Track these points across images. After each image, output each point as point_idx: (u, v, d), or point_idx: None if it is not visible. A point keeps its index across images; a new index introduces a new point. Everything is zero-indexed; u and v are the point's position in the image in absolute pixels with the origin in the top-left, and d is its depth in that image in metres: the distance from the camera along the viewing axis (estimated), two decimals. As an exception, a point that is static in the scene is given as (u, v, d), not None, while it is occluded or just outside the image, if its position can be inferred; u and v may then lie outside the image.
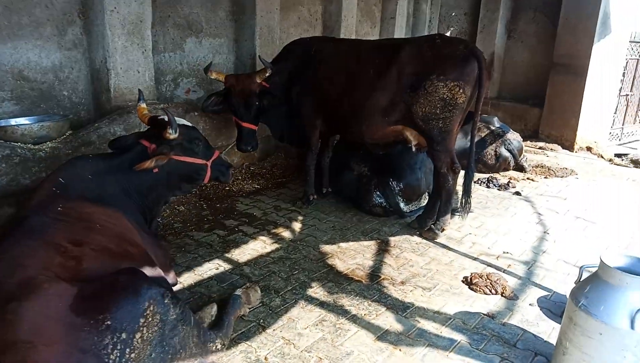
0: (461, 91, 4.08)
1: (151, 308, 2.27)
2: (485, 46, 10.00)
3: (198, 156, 3.62)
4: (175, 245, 4.19)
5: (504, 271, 3.93)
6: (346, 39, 5.04)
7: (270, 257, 4.04)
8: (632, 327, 2.31)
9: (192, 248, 4.17)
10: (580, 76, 8.11)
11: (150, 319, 2.26)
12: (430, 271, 3.89)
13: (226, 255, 4.07)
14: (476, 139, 6.59)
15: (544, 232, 4.75)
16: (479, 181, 6.28)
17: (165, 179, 3.52)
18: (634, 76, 9.09)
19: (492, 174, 6.54)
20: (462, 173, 4.43)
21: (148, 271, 2.78)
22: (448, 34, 10.71)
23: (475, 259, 4.13)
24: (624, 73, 8.73)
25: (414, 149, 4.58)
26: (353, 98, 4.49)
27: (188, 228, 4.56)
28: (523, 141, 8.65)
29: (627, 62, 8.71)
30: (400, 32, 9.42)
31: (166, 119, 3.32)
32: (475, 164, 6.57)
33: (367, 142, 4.75)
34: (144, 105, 3.38)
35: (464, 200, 4.42)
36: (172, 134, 3.30)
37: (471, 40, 10.45)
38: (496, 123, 6.88)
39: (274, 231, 4.57)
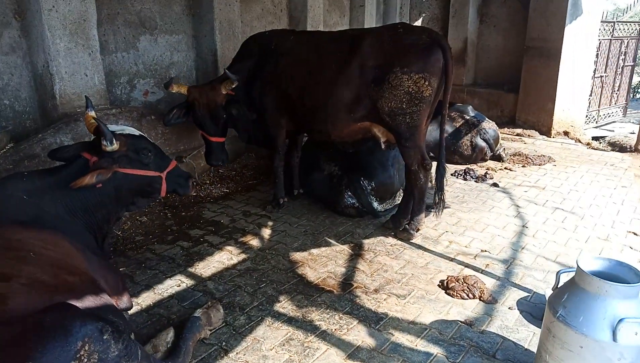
0: (427, 83, 3.85)
1: (86, 348, 2.01)
2: (458, 32, 9.83)
3: (149, 167, 3.34)
4: (134, 261, 3.91)
5: (482, 271, 3.75)
6: (307, 31, 4.77)
7: (236, 270, 3.79)
8: (614, 339, 2.13)
9: (153, 263, 3.89)
10: (553, 59, 7.97)
11: (85, 360, 1.99)
12: (405, 276, 3.69)
13: (189, 269, 3.80)
14: (451, 129, 6.48)
15: (523, 226, 4.58)
16: (456, 173, 6.11)
17: (113, 195, 3.24)
18: (607, 56, 9.02)
19: (469, 166, 6.37)
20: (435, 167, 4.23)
21: (90, 301, 2.51)
22: (419, 20, 10.53)
23: (452, 259, 3.94)
24: (597, 54, 8.63)
25: (383, 146, 4.36)
26: (315, 95, 4.24)
27: (150, 241, 4.28)
28: (500, 128, 8.52)
29: (600, 43, 8.61)
30: (370, 20, 9.16)
31: (127, 133, 3.06)
32: (451, 156, 6.46)
33: (334, 140, 4.51)
34: (92, 113, 3.08)
35: (437, 197, 4.22)
36: (107, 146, 3.00)
37: (443, 25, 10.27)
38: (471, 112, 6.70)
39: (241, 239, 4.31)
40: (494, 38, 9.70)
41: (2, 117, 4.26)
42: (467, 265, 3.84)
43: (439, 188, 4.19)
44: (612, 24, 8.88)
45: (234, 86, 4.37)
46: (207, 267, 3.83)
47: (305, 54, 4.33)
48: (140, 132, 3.33)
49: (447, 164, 6.40)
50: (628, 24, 9.56)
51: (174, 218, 4.77)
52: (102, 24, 4.89)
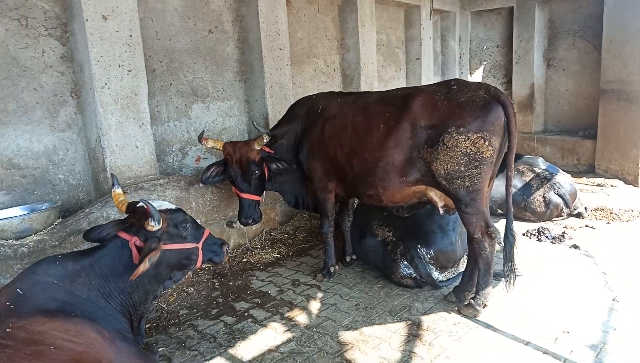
0: (487, 143, 3.46)
1: None
2: (524, 78, 9.33)
3: (187, 240, 3.24)
4: (175, 340, 3.70)
5: (564, 360, 3.15)
6: (354, 92, 4.57)
7: (279, 352, 3.46)
8: None
9: (193, 342, 3.66)
10: (635, 102, 7.24)
11: None
12: (471, 364, 3.18)
13: (230, 350, 3.52)
14: (520, 184, 5.93)
15: (613, 299, 3.91)
16: (529, 233, 5.50)
17: (153, 273, 3.13)
18: (699, 95, 8.07)
19: (543, 224, 5.73)
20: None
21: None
22: (481, 69, 10.15)
23: (527, 344, 3.36)
24: (686, 94, 7.74)
25: (441, 211, 3.96)
26: (364, 158, 3.97)
27: (194, 315, 4.08)
28: (577, 177, 7.82)
29: (688, 82, 7.74)
30: (428, 72, 8.94)
31: (145, 208, 2.95)
32: (523, 213, 5.87)
33: (386, 205, 4.18)
34: (119, 190, 3.01)
35: (506, 268, 3.70)
36: (154, 226, 2.92)
37: (507, 73, 9.82)
38: (542, 165, 6.12)
39: (288, 314, 4.01)
40: (564, 82, 9.08)
41: (57, 192, 4.37)
42: (545, 352, 3.25)
43: (509, 258, 3.69)
44: (702, 59, 8.00)
45: (265, 142, 4.24)
46: (248, 348, 3.53)
47: (352, 116, 4.11)
48: (176, 205, 3.22)
49: (518, 222, 5.87)
50: None
51: (221, 288, 4.58)
52: (154, 96, 5.02)
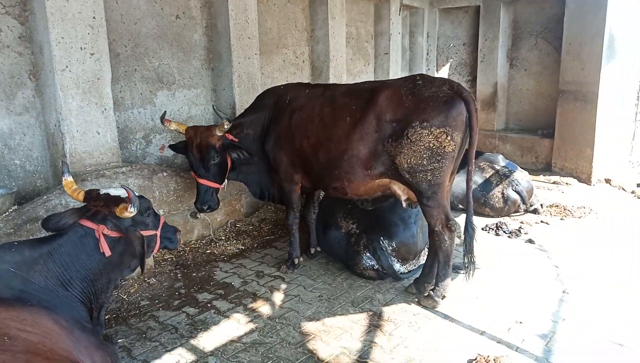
0: (449, 137, 3.56)
1: None
2: (488, 76, 9.57)
3: (149, 227, 3.24)
4: (135, 331, 3.64)
5: (517, 349, 3.29)
6: (321, 84, 4.59)
7: (241, 343, 3.47)
8: None
9: (154, 333, 3.62)
10: (590, 103, 7.55)
11: None
12: (428, 352, 3.27)
13: (192, 341, 3.50)
14: (480, 180, 6.11)
15: (563, 292, 4.10)
16: (487, 228, 5.68)
17: (117, 260, 3.10)
18: (650, 98, 8.50)
19: (501, 219, 5.92)
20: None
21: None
22: (447, 66, 10.34)
23: (482, 333, 3.50)
24: (638, 97, 8.14)
25: (404, 204, 4.04)
26: (330, 150, 4.00)
27: (155, 306, 4.03)
28: (535, 175, 8.10)
29: (640, 85, 8.13)
30: (395, 67, 9.04)
31: (125, 195, 2.96)
32: (482, 208, 6.05)
33: (351, 198, 4.23)
34: (70, 178, 2.93)
35: (466, 259, 3.83)
36: (133, 212, 2.92)
37: (472, 70, 10.04)
38: (501, 162, 6.32)
39: (251, 305, 4.01)
40: (525, 82, 9.37)
41: (12, 177, 4.20)
42: (499, 341, 3.39)
43: (468, 249, 3.81)
44: (653, 64, 8.41)
45: (226, 128, 4.18)
46: (211, 339, 3.52)
47: (320, 108, 4.13)
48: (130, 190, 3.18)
49: (477, 217, 6.05)
50: (670, 64, 9.05)
51: (183, 279, 4.53)
52: (118, 81, 4.88)
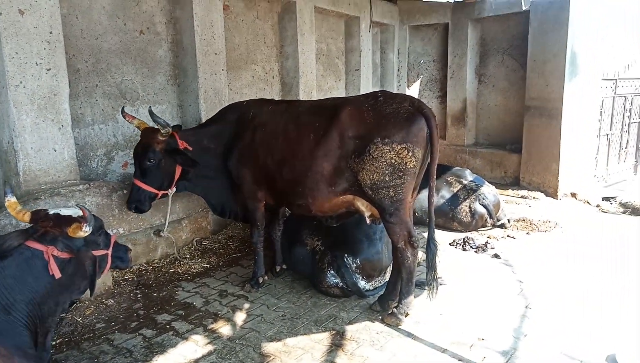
0: (410, 154, 3.56)
1: None
2: (457, 92, 9.72)
3: (100, 247, 3.15)
4: (87, 356, 3.50)
5: (478, 367, 3.27)
6: (285, 100, 4.57)
7: (198, 366, 3.37)
8: None
9: (107, 357, 3.48)
10: (554, 119, 7.72)
11: None
12: (390, 373, 3.22)
13: (146, 365, 3.38)
14: (448, 194, 6.14)
15: (526, 307, 4.11)
16: (455, 243, 5.69)
17: (66, 282, 2.98)
18: (612, 114, 8.76)
19: (469, 234, 5.96)
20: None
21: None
22: (418, 82, 10.47)
23: (444, 351, 3.47)
24: (601, 112, 8.38)
25: (368, 221, 4.02)
26: (294, 167, 3.97)
27: (111, 329, 3.88)
28: (504, 189, 8.21)
29: (602, 101, 8.38)
30: (366, 83, 9.11)
31: (80, 214, 2.88)
32: (450, 222, 6.08)
33: (316, 215, 4.19)
34: (13, 199, 2.81)
35: (429, 276, 3.80)
36: (87, 232, 2.82)
37: (442, 87, 10.18)
38: (469, 176, 6.37)
39: (211, 326, 3.90)
40: (493, 98, 9.54)
41: (-39, 197, 4.03)
42: (460, 359, 3.36)
43: (431, 266, 3.79)
44: (614, 81, 8.69)
45: (165, 133, 4.11)
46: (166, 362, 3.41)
47: (283, 124, 4.10)
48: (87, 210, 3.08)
49: (445, 232, 6.08)
50: (631, 80, 9.36)
51: (143, 300, 4.39)
52: (78, 97, 4.77)
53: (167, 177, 4.30)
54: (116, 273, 4.80)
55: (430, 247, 3.80)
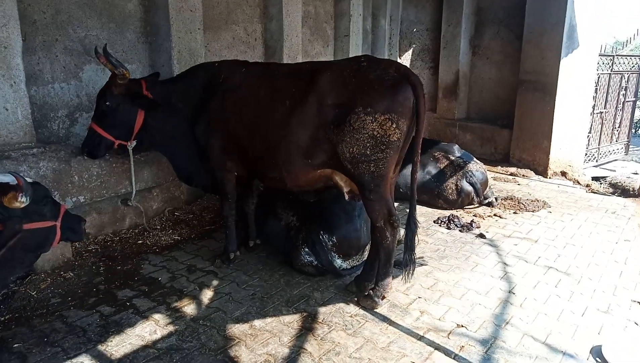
0: (394, 125, 3.25)
1: None
2: (450, 63, 9.35)
3: (46, 217, 2.86)
4: (37, 334, 3.23)
5: (455, 356, 3.06)
6: (261, 62, 4.20)
7: (155, 348, 3.11)
8: None
9: (58, 337, 3.21)
10: (549, 94, 7.43)
11: None
12: (361, 361, 3.00)
13: (99, 346, 3.12)
14: (435, 170, 5.88)
15: (509, 292, 3.91)
16: (439, 221, 5.46)
17: (8, 258, 2.70)
18: (607, 91, 8.49)
19: (454, 212, 5.72)
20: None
21: None
22: (410, 51, 10.06)
23: (420, 338, 3.25)
24: (596, 89, 8.09)
25: (347, 197, 3.73)
26: (267, 136, 3.65)
27: (66, 305, 3.61)
28: (493, 166, 7.98)
29: (598, 77, 8.08)
30: (356, 50, 8.68)
31: (15, 183, 2.56)
32: (435, 200, 5.84)
33: (291, 189, 3.89)
34: None
35: (406, 258, 3.55)
36: (25, 202, 2.57)
37: (434, 57, 9.80)
38: (457, 152, 6.09)
39: (175, 304, 3.65)
40: (487, 70, 9.19)
41: None
42: (437, 347, 3.14)
43: (409, 247, 3.53)
44: (612, 57, 8.39)
45: (117, 73, 3.78)
46: (121, 344, 3.15)
47: (257, 89, 3.75)
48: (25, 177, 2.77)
49: (430, 209, 5.84)
50: (628, 57, 9.07)
51: (105, 274, 4.11)
52: (35, 52, 4.36)
53: (125, 126, 4.01)
54: (79, 244, 4.50)
55: (410, 226, 3.53)
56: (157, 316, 3.48)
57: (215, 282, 4.01)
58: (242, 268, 4.27)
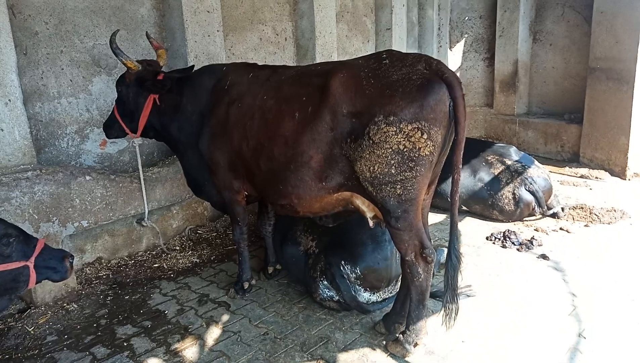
0: (425, 136, 2.60)
1: None
2: (507, 53, 8.41)
3: (12, 258, 2.48)
4: (21, 382, 2.90)
5: None
6: (269, 65, 3.64)
7: (142, 406, 2.68)
8: None
9: (43, 386, 2.86)
10: (625, 83, 6.36)
11: None
12: None
13: (82, 401, 2.73)
14: (488, 177, 5.10)
15: (579, 335, 3.13)
16: (493, 237, 4.69)
17: None
18: (699, 77, 7.19)
19: (512, 225, 4.92)
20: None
21: None
22: (462, 42, 9.18)
23: (461, 403, 2.59)
24: (685, 75, 6.86)
25: (371, 224, 3.11)
26: (273, 157, 3.09)
27: (61, 344, 3.27)
28: (560, 166, 7.05)
29: (687, 62, 6.84)
30: (400, 44, 7.97)
31: None
32: (489, 211, 5.08)
33: (306, 216, 3.33)
34: None
35: (448, 297, 2.88)
36: None
37: (490, 47, 8.87)
38: (514, 155, 5.27)
39: (176, 346, 3.20)
40: (550, 58, 8.15)
41: None
42: (482, 419, 2.48)
43: (450, 286, 2.86)
44: None
45: (127, 63, 3.56)
46: (106, 399, 2.74)
47: (262, 98, 3.21)
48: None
49: (484, 222, 5.07)
50: None
51: (111, 304, 3.77)
52: (38, 65, 4.09)
53: (133, 110, 3.70)
54: (89, 271, 4.21)
55: (452, 259, 2.86)
56: (153, 361, 3.05)
57: (225, 317, 3.53)
58: (258, 299, 3.77)
